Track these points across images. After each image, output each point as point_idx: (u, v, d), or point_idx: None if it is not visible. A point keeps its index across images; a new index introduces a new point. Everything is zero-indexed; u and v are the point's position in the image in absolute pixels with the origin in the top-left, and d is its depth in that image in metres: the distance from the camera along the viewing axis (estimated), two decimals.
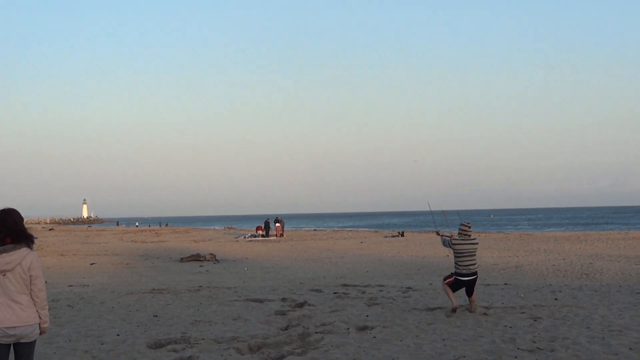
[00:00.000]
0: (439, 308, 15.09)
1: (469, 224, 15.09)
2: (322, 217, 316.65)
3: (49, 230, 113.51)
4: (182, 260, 39.35)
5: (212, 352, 11.01)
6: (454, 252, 14.77)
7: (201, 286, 21.89)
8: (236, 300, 17.43)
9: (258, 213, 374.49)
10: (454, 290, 14.60)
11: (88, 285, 24.19)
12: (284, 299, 17.54)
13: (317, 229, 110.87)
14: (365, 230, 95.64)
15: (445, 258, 37.79)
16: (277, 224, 68.94)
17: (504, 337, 11.48)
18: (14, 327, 7.07)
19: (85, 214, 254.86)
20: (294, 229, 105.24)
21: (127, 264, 37.89)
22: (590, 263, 31.53)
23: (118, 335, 12.77)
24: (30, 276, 7.14)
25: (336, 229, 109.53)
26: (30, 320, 7.15)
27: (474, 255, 14.66)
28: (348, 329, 12.75)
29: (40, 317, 7.26)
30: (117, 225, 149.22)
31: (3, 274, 7.09)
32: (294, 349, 11.17)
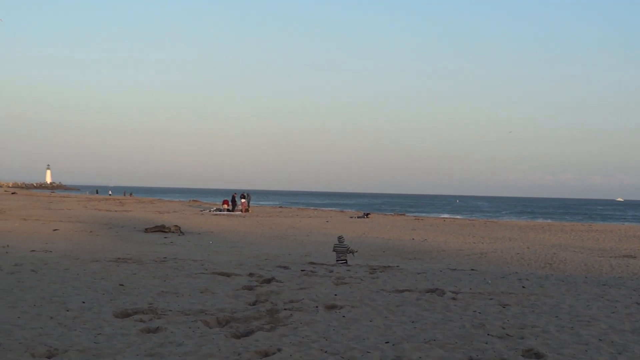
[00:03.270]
0: (408, 290, 15.04)
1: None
2: (287, 194, 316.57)
3: (12, 194, 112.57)
4: (146, 230, 39.17)
5: (179, 324, 10.87)
6: None
7: (166, 257, 21.71)
8: (203, 273, 17.27)
9: (223, 187, 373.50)
10: None
11: (51, 251, 23.89)
12: (251, 274, 17.41)
13: (282, 206, 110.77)
14: (331, 210, 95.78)
15: (409, 241, 37.91)
16: (243, 199, 68.71)
17: (474, 322, 11.44)
18: None
19: (48, 180, 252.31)
20: (260, 205, 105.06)
21: (91, 231, 37.58)
22: (554, 253, 31.75)
23: (84, 302, 12.57)
24: None
25: (302, 207, 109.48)
26: None
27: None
28: (317, 307, 12.65)
29: None
30: (97, 193, 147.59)
31: None
32: (263, 324, 11.06)
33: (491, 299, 14.20)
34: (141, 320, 11.13)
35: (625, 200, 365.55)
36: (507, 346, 9.74)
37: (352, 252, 23.06)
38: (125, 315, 11.69)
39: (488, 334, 10.51)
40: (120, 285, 14.86)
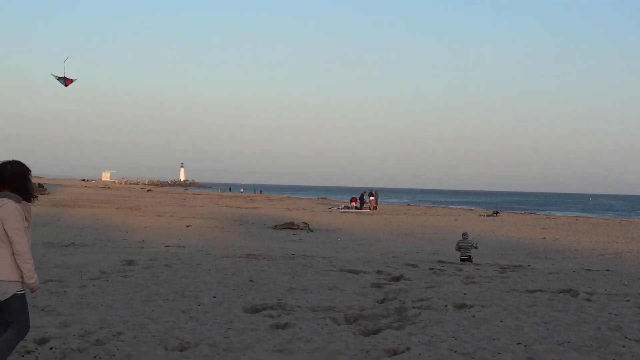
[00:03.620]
0: (539, 290, 14.64)
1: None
2: (414, 192, 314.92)
3: (147, 191, 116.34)
4: (276, 227, 39.65)
5: (308, 321, 10.91)
6: None
7: (295, 254, 21.90)
8: (331, 270, 17.33)
9: (351, 185, 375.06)
10: None
11: (184, 247, 24.49)
12: (379, 272, 17.35)
13: (410, 204, 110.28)
14: (460, 208, 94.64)
15: (540, 240, 37.09)
16: (371, 197, 68.71)
17: (610, 325, 11.02)
18: None
19: (182, 178, 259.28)
20: (388, 202, 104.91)
21: (222, 228, 38.37)
22: None
23: (215, 297, 12.80)
24: (4, 229, 6.68)
25: (430, 205, 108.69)
26: None
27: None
28: (446, 305, 12.47)
29: (23, 272, 6.79)
30: (230, 190, 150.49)
31: None
32: (391, 322, 10.97)
33: (628, 300, 13.66)
34: (270, 316, 11.24)
35: None
36: None
37: (476, 246, 22.87)
38: (254, 310, 11.82)
39: (625, 337, 10.09)
40: (250, 281, 15.07)
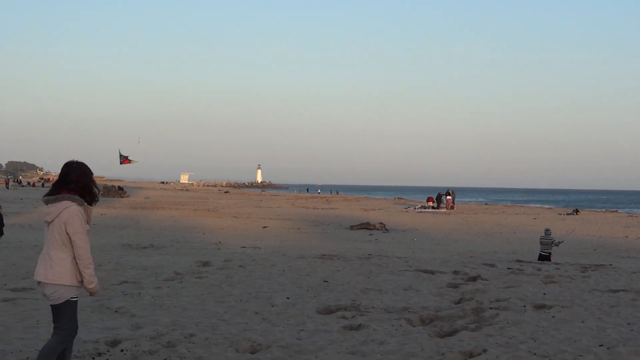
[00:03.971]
0: (622, 290, 14.17)
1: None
2: (491, 191, 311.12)
3: (225, 192, 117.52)
4: (352, 228, 39.50)
5: (382, 322, 10.71)
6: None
7: (370, 254, 21.71)
8: (407, 270, 17.09)
9: (428, 185, 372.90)
10: None
11: (260, 248, 24.53)
12: (455, 272, 17.04)
13: (487, 203, 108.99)
14: (538, 207, 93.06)
15: (622, 238, 36.18)
16: (448, 197, 68.08)
17: None
18: (39, 282, 6.65)
19: (259, 179, 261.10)
20: (464, 202, 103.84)
21: (298, 228, 38.38)
22: None
23: (288, 298, 12.70)
24: (67, 232, 6.55)
25: (508, 204, 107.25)
26: (55, 279, 6.57)
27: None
28: (524, 306, 12.12)
29: (83, 277, 6.66)
30: (307, 191, 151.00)
31: (47, 224, 6.67)
32: (468, 323, 10.70)
33: None
34: (344, 317, 11.07)
35: None
36: None
37: (557, 244, 22.35)
38: (328, 311, 11.67)
39: None
40: (324, 281, 14.94)
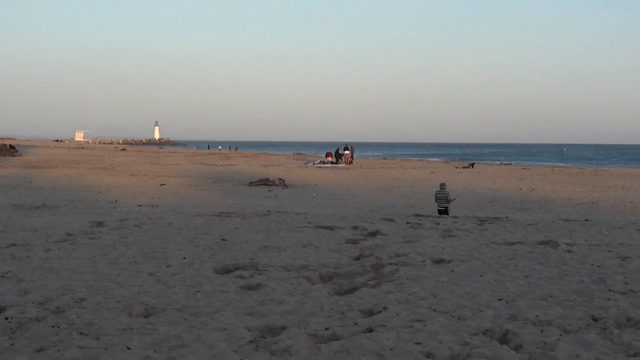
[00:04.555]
0: (519, 243, 14.33)
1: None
2: (390, 146, 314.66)
3: (121, 150, 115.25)
4: (251, 184, 39.22)
5: (281, 280, 10.50)
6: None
7: (269, 211, 21.48)
8: (306, 227, 16.92)
9: (327, 140, 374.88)
10: None
11: (157, 206, 24.02)
12: (355, 227, 16.96)
13: (386, 157, 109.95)
14: (435, 161, 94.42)
15: (517, 191, 36.90)
16: (347, 151, 68.28)
17: (593, 277, 10.70)
18: None
19: (157, 136, 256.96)
20: (363, 157, 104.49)
21: (197, 186, 37.87)
22: None
23: (184, 258, 12.35)
24: None
25: (405, 158, 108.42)
26: None
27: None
28: (424, 261, 12.10)
29: None
30: (209, 148, 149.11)
31: None
32: (367, 280, 10.58)
33: (609, 251, 13.38)
34: (241, 277, 10.81)
35: None
36: (632, 303, 9.02)
37: (450, 200, 22.59)
38: (225, 271, 11.39)
39: (610, 290, 9.76)
40: (222, 240, 14.63)
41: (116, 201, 26.21)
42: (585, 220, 20.11)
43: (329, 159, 68.37)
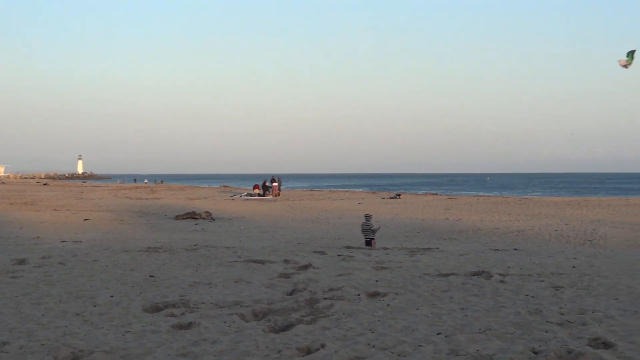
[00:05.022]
0: (452, 274, 14.26)
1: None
2: (317, 177, 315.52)
3: (43, 185, 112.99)
4: (177, 217, 38.67)
5: (213, 318, 10.17)
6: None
7: (197, 245, 21.09)
8: (236, 261, 16.60)
9: (254, 172, 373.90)
10: None
11: (81, 242, 23.37)
12: (286, 261, 16.70)
13: (313, 189, 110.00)
14: (362, 192, 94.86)
15: (444, 221, 37.13)
16: (275, 183, 68.10)
17: (529, 308, 10.64)
18: None
19: (80, 170, 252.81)
20: (290, 188, 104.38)
21: (122, 220, 37.15)
22: (594, 229, 30.87)
23: (112, 296, 11.93)
24: None
25: (332, 189, 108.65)
26: None
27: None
28: (359, 294, 11.91)
29: None
30: (135, 181, 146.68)
31: None
32: (303, 316, 10.33)
33: (542, 280, 13.40)
34: (172, 315, 10.45)
35: None
36: (571, 334, 8.95)
37: (374, 230, 22.51)
38: (155, 309, 11.01)
39: (547, 321, 9.70)
40: (150, 276, 14.23)
41: (38, 237, 25.46)
42: (515, 249, 20.23)
43: (256, 191, 68.13)
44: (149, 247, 19.91)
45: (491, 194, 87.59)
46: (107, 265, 15.78)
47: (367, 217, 23.23)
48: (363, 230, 22.67)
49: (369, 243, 22.15)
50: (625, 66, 24.56)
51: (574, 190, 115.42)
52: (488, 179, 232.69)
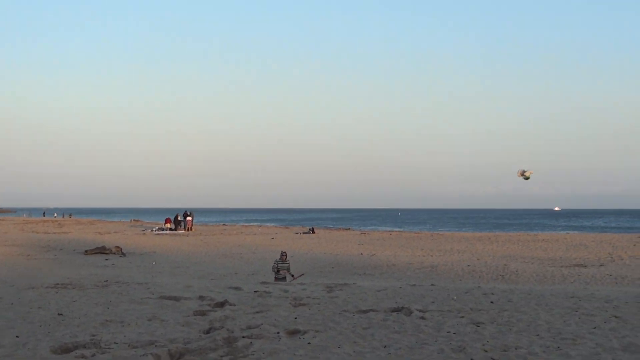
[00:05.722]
0: (372, 310, 14.02)
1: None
2: (229, 212, 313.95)
3: None
4: (86, 252, 37.82)
5: (127, 359, 9.68)
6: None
7: (107, 281, 20.41)
8: (149, 298, 16.05)
9: (165, 206, 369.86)
10: None
11: None
12: (201, 297, 16.22)
13: (226, 223, 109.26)
14: (275, 227, 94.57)
15: (358, 256, 37.15)
16: (188, 217, 67.32)
17: (452, 345, 10.45)
18: None
19: None
20: (203, 223, 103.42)
21: (28, 255, 36.05)
22: (505, 264, 31.44)
23: (17, 337, 11.29)
24: None
25: (245, 224, 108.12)
26: None
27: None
28: (278, 332, 11.54)
29: None
30: (44, 215, 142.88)
31: None
32: (221, 356, 9.91)
33: (462, 317, 13.26)
34: (83, 357, 9.91)
35: (562, 210, 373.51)
36: None
37: (284, 268, 22.25)
38: (64, 350, 10.43)
39: (471, 359, 9.52)
40: (59, 314, 13.58)
41: None
42: (432, 284, 20.16)
43: (168, 225, 67.30)
44: (57, 284, 19.18)
45: (403, 229, 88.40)
46: (12, 303, 15.06)
47: (283, 254, 22.94)
48: (279, 269, 22.30)
49: (283, 279, 21.83)
50: (523, 176, 26.83)
51: (484, 226, 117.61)
52: (399, 214, 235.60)
